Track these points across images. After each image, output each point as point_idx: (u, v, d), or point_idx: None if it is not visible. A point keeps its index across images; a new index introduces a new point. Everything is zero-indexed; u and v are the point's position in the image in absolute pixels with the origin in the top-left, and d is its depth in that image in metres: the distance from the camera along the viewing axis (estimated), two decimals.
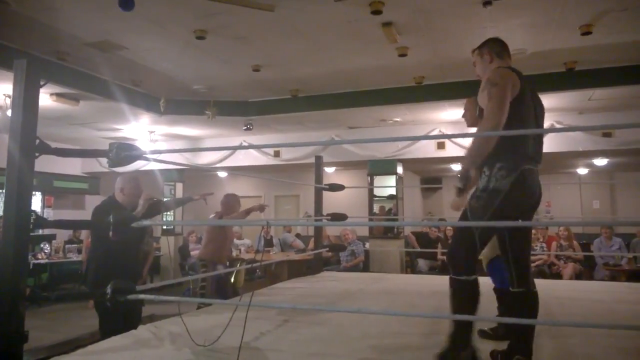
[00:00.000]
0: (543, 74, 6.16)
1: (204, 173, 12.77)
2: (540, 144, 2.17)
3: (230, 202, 5.31)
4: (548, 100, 6.92)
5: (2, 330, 1.91)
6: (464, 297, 1.99)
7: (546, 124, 8.30)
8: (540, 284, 2.09)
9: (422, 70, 6.17)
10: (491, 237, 2.14)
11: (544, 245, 7.97)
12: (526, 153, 2.08)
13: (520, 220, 2.11)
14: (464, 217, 2.11)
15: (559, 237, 7.83)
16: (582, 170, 11.39)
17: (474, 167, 2.19)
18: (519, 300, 2.07)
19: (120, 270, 3.20)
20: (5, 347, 1.90)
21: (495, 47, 2.40)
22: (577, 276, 7.14)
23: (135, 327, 3.10)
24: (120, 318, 3.24)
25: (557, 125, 7.70)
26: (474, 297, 2.00)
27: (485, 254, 2.69)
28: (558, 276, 7.15)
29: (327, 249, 5.86)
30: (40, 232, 8.61)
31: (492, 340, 2.35)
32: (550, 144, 7.60)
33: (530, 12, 4.52)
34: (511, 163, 2.05)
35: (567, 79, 6.13)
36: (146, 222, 2.52)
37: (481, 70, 2.41)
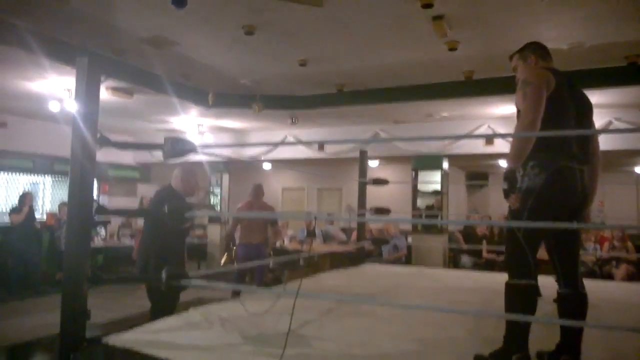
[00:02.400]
0: (602, 68, 5.88)
1: (249, 165, 13.02)
2: (585, 142, 2.10)
3: (254, 190, 5.97)
4: (607, 95, 6.64)
5: (68, 308, 2.07)
6: (518, 303, 1.94)
7: (603, 121, 7.97)
8: (590, 285, 2.04)
9: (472, 65, 6.04)
10: (537, 239, 2.04)
11: (597, 246, 7.67)
12: (564, 151, 2.02)
13: (562, 222, 2.03)
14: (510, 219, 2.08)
15: (612, 238, 7.51)
16: None
17: (517, 166, 2.13)
18: (566, 301, 2.03)
19: (172, 256, 3.38)
20: (71, 323, 2.06)
21: (538, 50, 2.34)
22: (630, 278, 6.83)
23: (172, 310, 3.28)
24: (170, 300, 3.42)
25: (616, 122, 7.37)
26: (528, 302, 1.94)
27: None
28: (610, 277, 6.87)
29: (370, 241, 5.87)
30: (97, 217, 9.07)
31: None
32: (606, 142, 7.25)
33: (588, 3, 4.32)
34: (545, 161, 2.01)
35: (628, 73, 5.83)
36: (199, 213, 2.63)
37: (524, 74, 2.31)
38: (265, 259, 5.75)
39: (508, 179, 2.12)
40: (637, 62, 5.57)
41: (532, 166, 2.03)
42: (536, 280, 1.99)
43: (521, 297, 1.94)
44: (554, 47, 5.24)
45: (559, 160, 2.00)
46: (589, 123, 2.22)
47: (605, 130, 7.45)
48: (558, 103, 2.06)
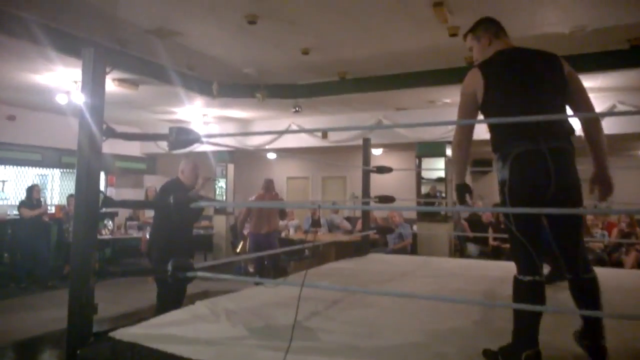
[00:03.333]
0: (605, 52, 5.84)
1: (254, 154, 13.02)
2: (547, 119, 1.93)
3: (265, 184, 6.56)
4: (610, 78, 6.57)
5: (75, 303, 2.08)
6: (524, 299, 1.88)
7: (607, 104, 7.88)
8: (599, 272, 2.01)
9: None
10: (530, 231, 1.94)
11: (605, 232, 7.64)
12: (518, 135, 1.93)
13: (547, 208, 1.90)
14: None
15: (622, 223, 7.47)
16: None
17: (461, 182, 2.20)
18: (572, 288, 1.98)
19: (181, 247, 3.42)
20: (78, 317, 2.07)
21: (491, 27, 2.27)
22: (639, 264, 6.81)
23: (180, 302, 3.32)
24: (177, 292, 3.47)
25: (620, 106, 7.28)
26: (534, 298, 1.87)
27: None
28: (619, 264, 6.85)
29: (375, 231, 5.88)
30: (104, 209, 9.13)
31: None
32: (611, 126, 7.20)
33: None
34: (503, 151, 1.98)
35: (630, 56, 5.77)
36: (205, 203, 2.64)
37: (480, 55, 2.28)
38: (275, 246, 6.20)
39: (457, 191, 2.19)
40: (639, 44, 5.50)
41: (496, 160, 2.02)
42: (541, 270, 1.93)
43: (526, 294, 1.89)
44: (555, 32, 5.25)
45: (515, 146, 1.93)
46: (550, 90, 2.03)
47: (606, 113, 7.36)
48: (496, 95, 2.03)
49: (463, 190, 2.18)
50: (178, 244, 3.51)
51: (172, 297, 3.46)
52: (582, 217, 2.14)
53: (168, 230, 3.56)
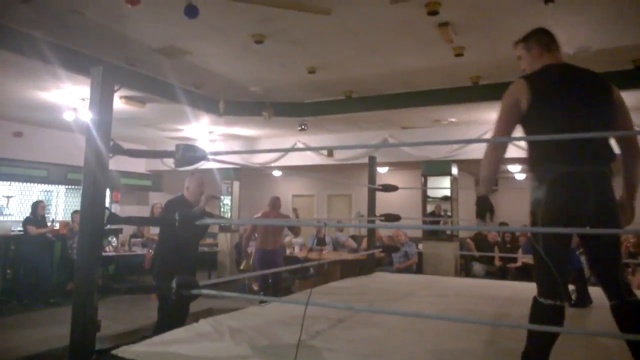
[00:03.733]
0: (609, 72, 5.84)
1: (259, 172, 13.05)
2: (596, 140, 1.89)
3: (271, 202, 6.59)
4: None
5: (78, 319, 2.05)
6: (541, 320, 1.82)
7: None
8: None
9: (478, 70, 6.03)
10: (558, 255, 1.88)
11: None
12: (562, 155, 1.88)
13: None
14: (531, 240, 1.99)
15: (628, 244, 7.39)
16: None
17: (487, 194, 2.11)
18: (617, 314, 1.87)
19: (184, 264, 3.40)
20: (80, 335, 2.05)
21: (544, 39, 2.18)
22: None
23: (183, 320, 3.29)
24: (179, 310, 3.44)
25: None
26: (552, 323, 1.80)
27: None
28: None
29: (380, 249, 5.85)
30: (108, 225, 9.13)
31: None
32: (614, 145, 7.17)
33: (595, 8, 4.31)
34: (541, 172, 1.92)
35: (635, 76, 5.79)
36: (210, 220, 2.63)
37: (527, 66, 2.21)
38: (280, 264, 6.22)
39: (478, 205, 2.10)
40: None
41: (532, 179, 1.96)
42: (562, 295, 1.86)
43: (544, 317, 1.83)
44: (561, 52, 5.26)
45: (557, 168, 1.88)
46: (598, 122, 1.94)
47: (611, 133, 7.34)
48: (541, 111, 1.96)
49: (485, 204, 2.10)
50: (182, 261, 3.50)
51: (173, 314, 3.44)
52: (619, 240, 2.05)
53: (172, 247, 3.55)
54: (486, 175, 2.09)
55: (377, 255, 5.94)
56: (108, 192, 10.72)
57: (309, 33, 4.93)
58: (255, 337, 2.39)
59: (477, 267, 8.46)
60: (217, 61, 5.88)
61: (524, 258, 8.31)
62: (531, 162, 2.01)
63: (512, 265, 8.32)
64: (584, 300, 3.46)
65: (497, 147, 2.08)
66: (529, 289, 4.38)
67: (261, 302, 3.28)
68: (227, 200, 10.86)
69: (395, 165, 10.64)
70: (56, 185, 10.21)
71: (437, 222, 8.43)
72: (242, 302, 4.43)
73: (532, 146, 2.01)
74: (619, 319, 1.87)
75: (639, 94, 6.26)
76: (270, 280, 6.56)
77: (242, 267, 8.32)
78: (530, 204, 1.96)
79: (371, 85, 6.79)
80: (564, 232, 1.87)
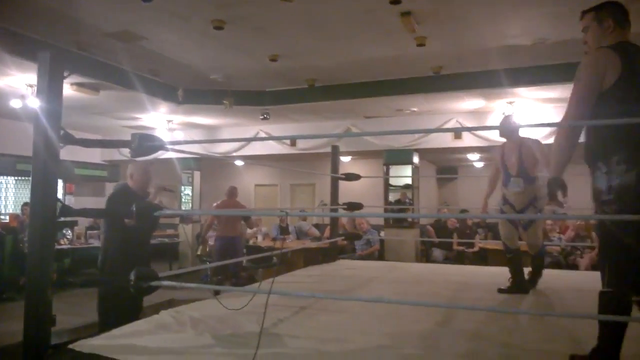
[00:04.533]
0: (565, 64, 6.04)
1: (221, 161, 12.88)
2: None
3: (228, 191, 6.92)
4: (569, 89, 6.73)
5: (31, 315, 1.99)
6: (607, 313, 1.76)
7: None
8: (555, 274, 2.08)
9: (440, 60, 6.13)
10: None
11: (561, 236, 7.89)
12: None
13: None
14: (603, 230, 1.85)
15: (576, 227, 7.75)
16: None
17: (559, 175, 1.93)
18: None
19: (136, 258, 3.26)
20: (35, 331, 1.99)
21: (618, 14, 1.99)
22: (594, 267, 7.06)
23: (137, 315, 3.12)
24: (124, 307, 3.23)
25: None
26: (619, 314, 1.73)
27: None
28: (574, 267, 7.09)
29: (343, 237, 5.91)
30: (62, 218, 8.82)
31: None
32: None
33: (552, 1, 4.44)
34: (632, 155, 1.74)
35: None
36: (169, 212, 2.58)
37: (594, 40, 2.04)
38: (240, 250, 6.63)
39: (550, 187, 1.94)
40: None
41: (617, 162, 1.76)
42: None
43: (612, 309, 1.75)
44: (519, 43, 5.43)
45: None
46: None
47: (565, 123, 7.62)
48: (630, 89, 1.78)
49: (557, 185, 1.92)
50: (134, 257, 3.32)
51: (118, 312, 3.20)
52: None
53: (123, 241, 3.36)
54: (559, 160, 1.93)
55: (340, 243, 6.00)
56: (61, 183, 10.34)
57: (270, 20, 4.87)
58: (217, 327, 2.38)
59: (437, 252, 8.68)
60: (175, 47, 5.73)
61: (480, 243, 8.59)
62: (608, 144, 1.81)
63: (470, 250, 8.58)
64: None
65: (572, 131, 1.90)
66: (484, 272, 4.54)
67: (216, 292, 3.21)
68: (187, 190, 10.68)
69: (357, 155, 10.73)
70: (4, 177, 9.75)
71: (404, 210, 8.58)
72: (205, 292, 4.38)
73: (613, 126, 1.81)
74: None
75: None
76: (230, 269, 6.57)
77: (198, 253, 8.42)
78: (605, 189, 1.80)
79: (334, 74, 6.79)
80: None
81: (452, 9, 4.59)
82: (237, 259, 5.35)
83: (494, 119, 8.16)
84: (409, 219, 8.90)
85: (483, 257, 8.31)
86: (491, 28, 5.04)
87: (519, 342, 2.17)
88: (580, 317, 2.74)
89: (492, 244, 8.47)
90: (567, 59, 5.91)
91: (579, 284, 3.72)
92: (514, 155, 3.54)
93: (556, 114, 7.76)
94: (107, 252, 3.49)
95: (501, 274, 3.59)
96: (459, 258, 8.40)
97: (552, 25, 4.97)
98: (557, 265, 7.07)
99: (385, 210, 8.80)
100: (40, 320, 1.98)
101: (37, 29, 5.11)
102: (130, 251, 3.33)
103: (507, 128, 3.69)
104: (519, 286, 3.41)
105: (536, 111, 7.78)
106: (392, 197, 9.25)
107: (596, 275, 3.39)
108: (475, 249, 8.56)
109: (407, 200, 8.95)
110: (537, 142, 3.51)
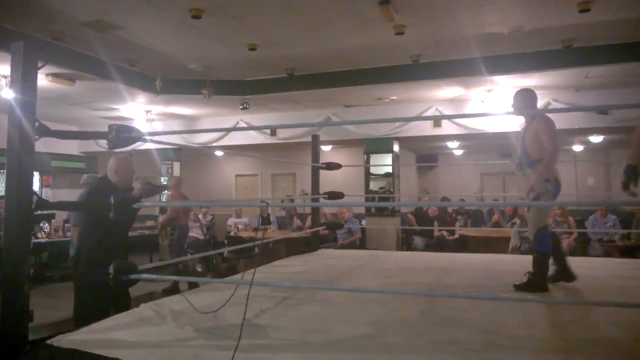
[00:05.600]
0: (540, 52, 6.15)
1: (201, 152, 12.76)
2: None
3: (175, 183, 7.44)
4: (545, 77, 6.94)
5: (8, 310, 1.96)
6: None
7: (543, 102, 8.27)
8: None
9: (418, 49, 6.15)
10: None
11: None
12: None
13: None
14: None
15: (553, 213, 7.91)
16: (578, 147, 11.44)
17: (635, 160, 1.91)
18: None
19: (115, 251, 3.21)
20: (11, 326, 1.95)
21: None
22: (571, 252, 7.24)
23: (126, 308, 3.08)
24: (99, 299, 3.17)
25: (554, 103, 7.72)
26: None
27: (536, 224, 3.03)
28: None
29: (325, 227, 5.93)
30: (39, 211, 8.66)
31: None
32: None
33: None
34: None
35: (564, 57, 6.12)
36: (147, 204, 2.55)
37: None
38: (186, 235, 7.61)
39: (627, 174, 1.95)
40: (572, 45, 5.85)
41: None
42: None
43: None
44: (496, 32, 5.47)
45: None
46: None
47: (541, 110, 7.75)
48: None
49: (633, 173, 1.93)
50: (113, 248, 3.27)
51: (94, 306, 3.15)
52: None
53: (103, 235, 3.30)
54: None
55: (321, 232, 6.02)
56: (37, 175, 10.12)
57: (249, 8, 4.81)
58: (198, 319, 2.37)
59: (418, 240, 8.79)
60: (152, 37, 5.62)
61: (461, 230, 8.72)
62: None
63: (450, 237, 8.70)
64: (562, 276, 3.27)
65: None
66: (463, 258, 4.60)
67: (190, 284, 3.16)
68: (167, 182, 10.55)
69: (338, 144, 10.74)
70: None
71: (388, 199, 8.64)
72: (186, 284, 4.36)
73: None
74: None
75: (567, 73, 6.66)
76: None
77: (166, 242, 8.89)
78: None
79: (313, 63, 6.76)
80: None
81: None
82: (221, 250, 5.30)
83: (473, 107, 8.24)
84: (390, 207, 8.98)
85: (463, 244, 8.45)
86: (468, 16, 5.07)
87: (499, 328, 2.22)
88: (559, 303, 2.81)
89: (472, 231, 8.61)
90: (542, 46, 6.01)
91: None
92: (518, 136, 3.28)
93: None
94: (82, 246, 3.41)
95: (481, 260, 3.65)
96: (440, 245, 8.52)
97: (528, 13, 5.02)
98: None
99: (367, 199, 8.85)
100: (17, 315, 1.95)
101: (10, 19, 4.97)
102: (110, 245, 3.28)
103: (513, 105, 3.27)
104: (538, 284, 3.03)
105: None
106: (373, 185, 9.30)
107: (574, 261, 3.49)
108: (456, 236, 8.68)
109: (392, 189, 9.02)
110: (544, 120, 3.11)
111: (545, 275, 3.05)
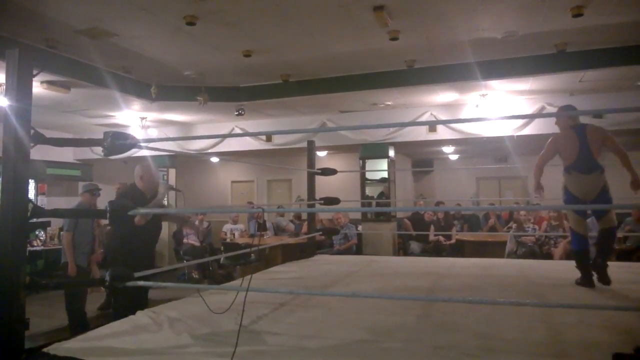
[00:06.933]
0: (534, 56, 6.20)
1: (197, 158, 12.74)
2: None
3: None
4: (540, 82, 6.98)
5: (4, 319, 1.95)
6: None
7: (537, 106, 8.31)
8: (530, 264, 2.13)
9: (413, 54, 6.18)
10: None
11: (536, 227, 8.09)
12: None
13: None
14: None
15: (549, 218, 7.95)
16: None
17: None
18: None
19: (141, 257, 3.26)
20: (7, 335, 1.94)
21: None
22: (568, 256, 7.25)
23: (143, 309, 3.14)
24: (132, 300, 3.24)
25: (548, 107, 7.76)
26: None
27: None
28: (549, 256, 7.27)
29: (321, 232, 5.93)
30: (35, 219, 8.62)
31: None
32: (540, 127, 7.66)
33: None
34: None
35: (557, 61, 6.17)
36: (144, 211, 2.55)
37: None
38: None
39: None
40: (566, 49, 5.89)
41: None
42: None
43: None
44: (489, 36, 5.52)
45: None
46: None
47: (536, 115, 7.76)
48: None
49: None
50: (137, 256, 3.30)
51: (130, 306, 3.21)
52: None
53: (125, 240, 3.37)
54: None
55: (317, 238, 6.02)
56: (32, 183, 10.07)
57: (243, 15, 4.83)
58: (195, 325, 2.36)
59: (414, 245, 8.79)
60: (147, 44, 5.63)
61: (457, 235, 8.74)
62: None
63: (447, 242, 8.71)
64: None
65: None
66: (459, 263, 4.61)
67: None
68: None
69: (334, 149, 10.75)
70: None
71: (387, 204, 8.65)
72: (182, 291, 4.34)
73: None
74: None
75: (561, 77, 6.70)
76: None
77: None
78: None
79: (308, 69, 6.78)
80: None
81: (423, 3, 4.64)
82: (216, 256, 5.27)
83: (468, 112, 8.28)
84: (388, 213, 8.98)
85: (460, 249, 8.46)
86: (462, 21, 5.11)
87: (496, 332, 2.22)
88: (556, 307, 2.82)
89: (468, 236, 8.63)
90: (536, 51, 6.06)
91: (554, 273, 3.82)
92: (574, 144, 3.70)
93: (528, 105, 7.93)
94: (108, 249, 3.48)
95: (478, 265, 3.65)
96: (436, 250, 8.53)
97: (522, 18, 5.06)
98: (532, 254, 7.25)
99: (363, 205, 8.86)
100: (13, 324, 1.94)
101: (5, 27, 4.97)
102: (134, 248, 3.32)
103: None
104: (585, 280, 3.33)
105: (508, 103, 7.93)
106: (369, 191, 9.31)
107: (570, 264, 3.50)
108: (452, 240, 8.70)
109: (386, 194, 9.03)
110: (599, 129, 3.71)
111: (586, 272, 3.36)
